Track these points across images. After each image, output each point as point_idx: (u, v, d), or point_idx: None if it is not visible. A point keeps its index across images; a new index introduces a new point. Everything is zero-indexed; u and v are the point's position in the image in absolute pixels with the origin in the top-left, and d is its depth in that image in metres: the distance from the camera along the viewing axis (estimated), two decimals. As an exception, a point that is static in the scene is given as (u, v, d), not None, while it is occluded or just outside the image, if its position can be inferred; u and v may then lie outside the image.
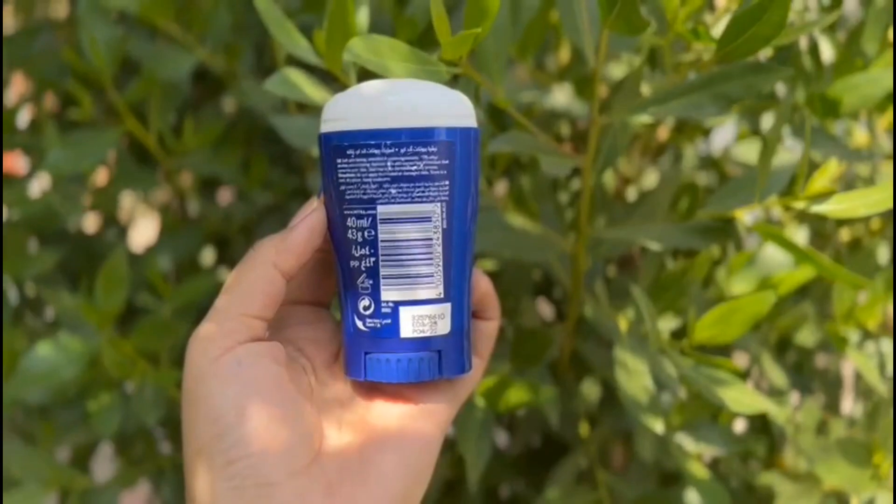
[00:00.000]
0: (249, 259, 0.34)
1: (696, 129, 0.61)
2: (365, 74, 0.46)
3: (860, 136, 0.57)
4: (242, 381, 0.32)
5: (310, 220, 0.34)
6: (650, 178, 0.64)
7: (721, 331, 0.38)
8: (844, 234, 0.61)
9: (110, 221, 0.75)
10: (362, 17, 0.39)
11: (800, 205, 0.38)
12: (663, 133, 0.63)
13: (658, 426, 0.41)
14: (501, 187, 0.61)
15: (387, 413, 0.35)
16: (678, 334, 0.48)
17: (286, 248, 0.34)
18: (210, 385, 0.32)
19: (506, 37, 0.38)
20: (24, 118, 0.72)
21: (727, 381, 0.39)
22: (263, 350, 0.33)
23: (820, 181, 0.38)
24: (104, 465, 0.76)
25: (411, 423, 0.35)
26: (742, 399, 0.38)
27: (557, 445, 0.63)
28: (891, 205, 0.36)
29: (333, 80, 0.45)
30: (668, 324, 0.47)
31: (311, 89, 0.37)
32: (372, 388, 0.36)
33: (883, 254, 0.58)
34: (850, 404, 0.69)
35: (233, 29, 0.61)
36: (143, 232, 0.81)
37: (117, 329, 0.57)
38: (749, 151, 0.58)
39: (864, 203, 0.37)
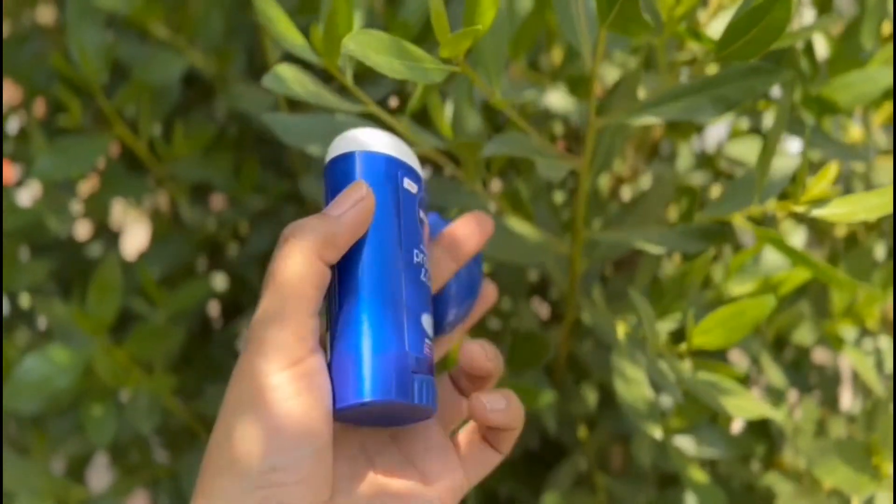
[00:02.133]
0: (291, 250, 0.31)
1: (689, 126, 0.60)
2: (362, 73, 0.46)
3: (855, 131, 0.57)
4: (305, 402, 0.30)
5: (359, 210, 0.32)
6: (645, 178, 0.63)
7: (720, 335, 0.38)
8: (841, 230, 0.61)
9: (101, 229, 0.74)
10: (358, 15, 0.38)
11: (800, 209, 0.38)
12: (657, 130, 0.63)
13: (657, 432, 0.40)
14: (495, 186, 0.61)
15: (392, 470, 0.34)
16: (676, 336, 0.48)
17: (333, 243, 0.32)
18: (270, 398, 0.30)
19: (504, 36, 0.38)
20: (13, 126, 0.72)
21: (726, 386, 0.39)
22: (322, 366, 0.31)
23: (819, 185, 0.37)
24: (100, 475, 0.75)
25: (414, 489, 0.33)
26: (742, 405, 0.38)
27: (556, 448, 0.63)
28: (890, 210, 0.36)
29: (330, 79, 0.45)
30: (666, 326, 0.46)
31: (306, 86, 0.37)
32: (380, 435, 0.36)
33: (880, 250, 0.57)
34: (848, 398, 0.68)
35: (224, 32, 0.61)
36: (135, 239, 0.80)
37: (110, 337, 0.57)
38: (743, 149, 0.58)
39: (863, 207, 0.36)
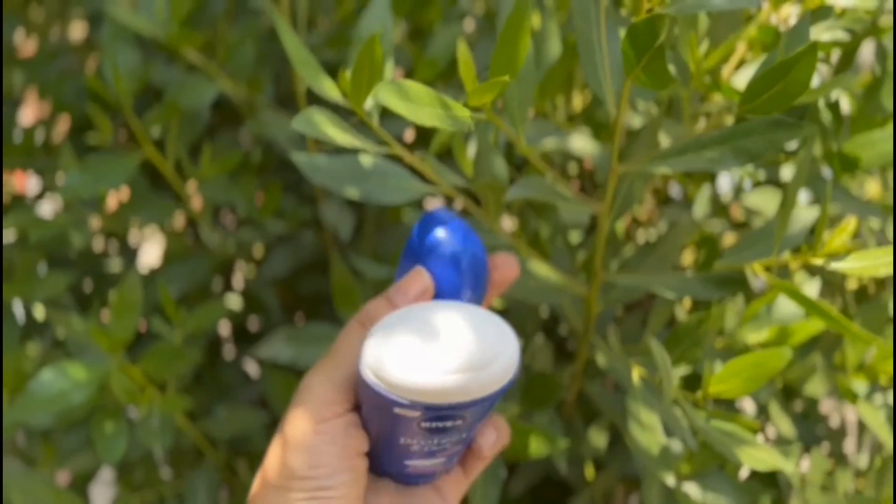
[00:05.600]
0: (349, 325, 0.39)
1: (704, 174, 0.61)
2: (387, 116, 0.47)
3: (873, 188, 0.58)
4: (345, 444, 0.37)
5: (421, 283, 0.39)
6: (661, 223, 0.64)
7: (736, 385, 0.38)
8: (852, 284, 0.61)
9: (119, 243, 0.75)
10: (387, 61, 0.39)
11: (818, 261, 0.38)
12: (673, 176, 0.63)
13: (670, 479, 0.41)
14: (507, 223, 0.62)
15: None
16: (689, 382, 0.48)
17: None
18: (312, 441, 0.36)
19: (531, 84, 0.39)
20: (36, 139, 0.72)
21: (742, 436, 0.39)
22: (356, 421, 0.38)
23: (839, 238, 0.38)
24: (102, 491, 0.75)
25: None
26: (756, 455, 0.38)
27: (562, 488, 0.63)
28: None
29: (352, 113, 0.46)
30: (679, 372, 0.47)
31: (334, 130, 0.38)
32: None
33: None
34: (852, 447, 0.68)
35: (255, 60, 0.62)
36: (150, 254, 0.81)
37: (125, 354, 0.57)
38: (761, 200, 0.58)
39: (883, 262, 0.37)
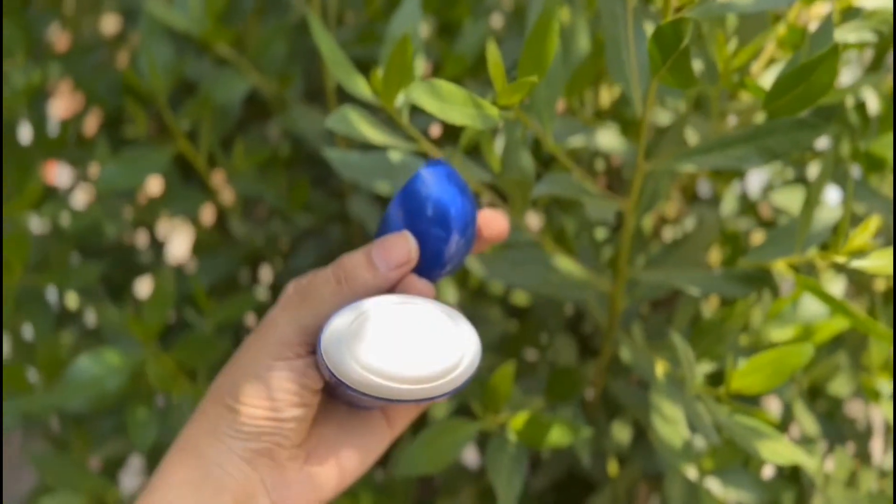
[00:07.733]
0: (325, 273, 0.39)
1: (733, 172, 0.61)
2: (415, 112, 0.47)
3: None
4: (296, 388, 0.38)
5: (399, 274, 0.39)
6: (689, 220, 0.64)
7: (758, 380, 0.39)
8: (881, 284, 0.61)
9: (149, 234, 0.77)
10: (417, 61, 0.40)
11: (840, 259, 0.39)
12: (701, 172, 0.63)
13: (691, 472, 0.41)
14: (533, 219, 0.62)
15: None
16: (713, 378, 0.49)
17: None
18: (269, 376, 0.38)
19: (558, 84, 0.39)
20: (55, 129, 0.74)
21: (763, 431, 0.39)
22: (313, 365, 0.39)
23: (860, 237, 0.38)
24: (131, 479, 0.77)
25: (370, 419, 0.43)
26: (777, 450, 0.38)
27: (583, 483, 0.63)
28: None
29: (381, 108, 0.47)
30: (703, 368, 0.47)
31: (368, 129, 0.38)
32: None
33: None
34: (879, 450, 0.68)
35: (285, 56, 0.63)
36: (178, 246, 0.83)
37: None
38: (788, 198, 0.58)
39: (904, 260, 0.37)
